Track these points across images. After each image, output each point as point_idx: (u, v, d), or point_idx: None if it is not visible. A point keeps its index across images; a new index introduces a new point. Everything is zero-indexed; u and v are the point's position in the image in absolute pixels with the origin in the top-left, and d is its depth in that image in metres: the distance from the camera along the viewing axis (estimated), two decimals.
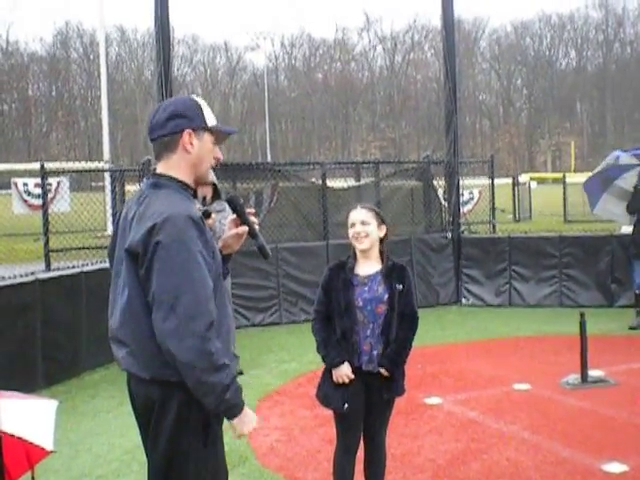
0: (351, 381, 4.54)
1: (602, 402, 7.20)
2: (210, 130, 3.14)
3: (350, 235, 4.64)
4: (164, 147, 3.10)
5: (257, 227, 3.35)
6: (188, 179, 3.12)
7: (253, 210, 3.37)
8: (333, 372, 4.56)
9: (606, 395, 7.43)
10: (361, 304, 4.53)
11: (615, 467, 5.57)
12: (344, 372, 4.52)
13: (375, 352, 4.56)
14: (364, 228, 4.58)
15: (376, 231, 4.61)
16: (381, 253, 4.66)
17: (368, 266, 4.63)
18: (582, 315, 7.73)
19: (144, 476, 3.09)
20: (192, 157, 3.10)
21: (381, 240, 4.65)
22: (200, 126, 3.10)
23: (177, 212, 2.91)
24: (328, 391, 4.63)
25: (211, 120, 3.15)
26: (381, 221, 4.65)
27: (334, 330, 4.59)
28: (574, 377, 7.79)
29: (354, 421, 4.62)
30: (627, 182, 11.06)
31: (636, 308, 10.68)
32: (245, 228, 3.30)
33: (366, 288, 4.56)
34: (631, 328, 10.48)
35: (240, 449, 6.06)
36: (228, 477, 3.15)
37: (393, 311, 4.54)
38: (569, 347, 8.66)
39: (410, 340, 4.64)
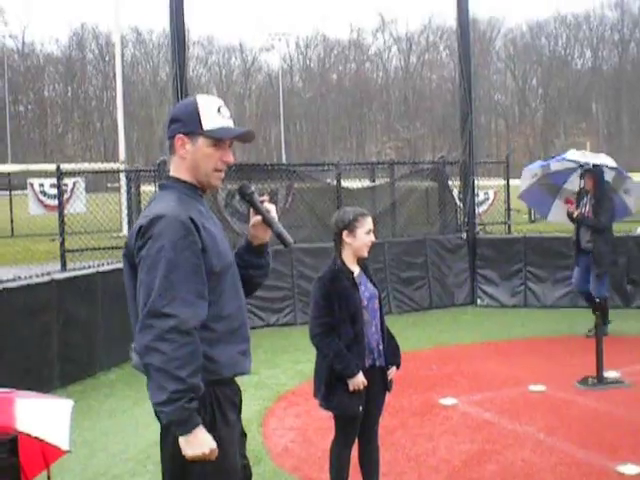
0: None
1: (617, 403, 7.17)
2: (206, 135, 3.03)
3: (366, 241, 4.65)
4: (169, 149, 3.13)
5: (274, 215, 3.19)
6: (193, 181, 3.08)
7: (266, 197, 3.25)
8: (349, 381, 4.57)
9: (621, 396, 7.40)
10: (365, 303, 4.65)
11: (630, 469, 5.56)
12: (361, 380, 4.58)
13: (381, 347, 4.71)
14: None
15: None
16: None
17: (354, 268, 4.73)
18: (597, 316, 7.71)
19: (159, 475, 3.10)
20: (187, 162, 3.06)
21: None
22: (193, 131, 3.03)
23: (163, 213, 2.90)
24: (343, 398, 4.62)
25: (210, 123, 3.02)
26: None
27: (340, 338, 4.60)
28: (589, 378, 7.77)
29: (359, 419, 4.72)
30: (574, 184, 10.61)
31: None
32: (258, 217, 3.18)
33: (363, 287, 4.68)
34: None
35: (255, 449, 6.07)
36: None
37: (381, 305, 4.76)
38: (584, 348, 8.62)
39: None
